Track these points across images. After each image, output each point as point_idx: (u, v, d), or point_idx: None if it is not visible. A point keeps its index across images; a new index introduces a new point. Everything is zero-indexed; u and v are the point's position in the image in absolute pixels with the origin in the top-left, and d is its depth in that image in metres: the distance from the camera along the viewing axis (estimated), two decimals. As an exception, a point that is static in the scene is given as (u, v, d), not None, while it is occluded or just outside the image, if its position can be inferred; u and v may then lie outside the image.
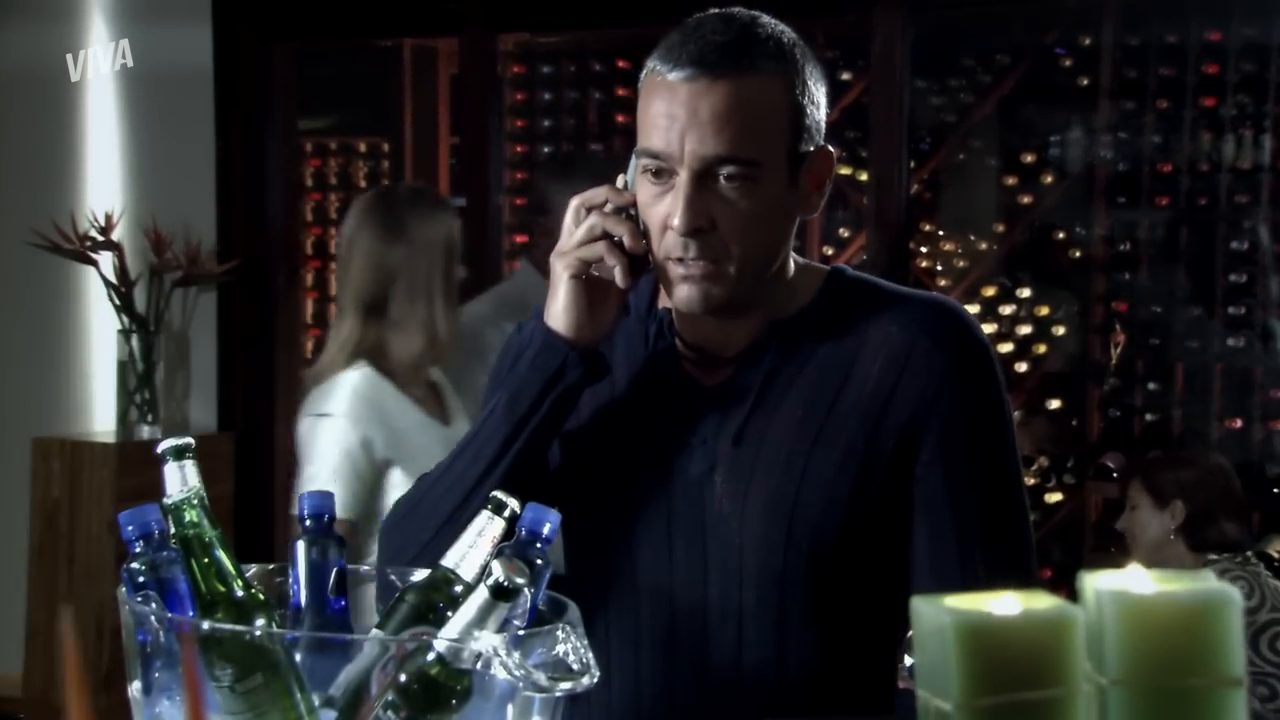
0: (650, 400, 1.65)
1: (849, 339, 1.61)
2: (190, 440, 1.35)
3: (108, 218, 4.25)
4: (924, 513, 1.60)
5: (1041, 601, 0.86)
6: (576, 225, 1.58)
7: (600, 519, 1.66)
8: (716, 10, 1.58)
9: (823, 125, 1.60)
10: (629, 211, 1.57)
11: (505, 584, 1.22)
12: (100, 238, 4.24)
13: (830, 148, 1.61)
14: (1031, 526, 1.65)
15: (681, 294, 1.56)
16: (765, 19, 1.58)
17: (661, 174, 1.54)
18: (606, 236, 1.56)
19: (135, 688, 1.31)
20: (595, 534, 1.67)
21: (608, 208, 1.57)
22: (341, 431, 2.87)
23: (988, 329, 5.01)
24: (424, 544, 1.59)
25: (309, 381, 3.06)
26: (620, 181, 1.62)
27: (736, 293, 1.56)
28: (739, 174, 1.52)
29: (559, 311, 1.58)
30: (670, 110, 1.51)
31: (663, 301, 1.66)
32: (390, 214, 2.97)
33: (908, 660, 2.26)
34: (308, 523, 1.38)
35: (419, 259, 2.92)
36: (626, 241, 1.55)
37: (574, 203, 1.59)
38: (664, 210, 1.54)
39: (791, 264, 1.65)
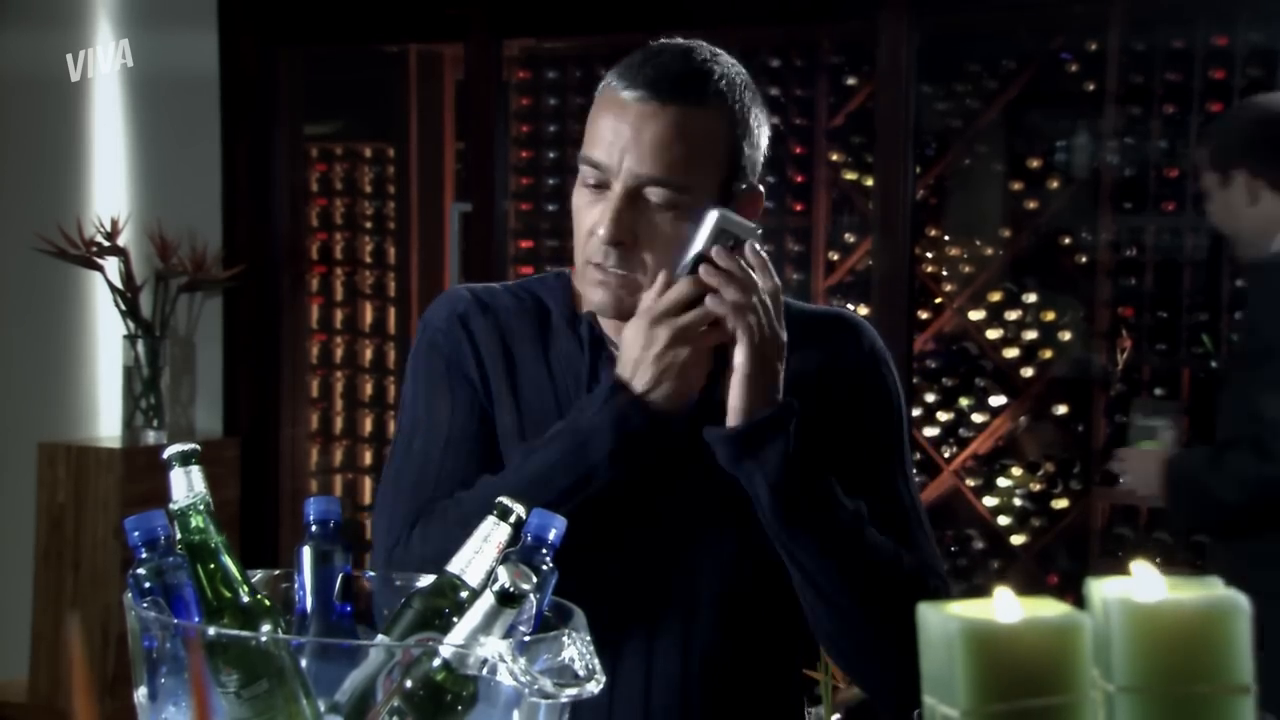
0: None
1: None
2: (196, 446, 1.35)
3: (113, 223, 4.26)
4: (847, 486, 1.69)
5: (1049, 608, 0.86)
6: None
7: None
8: (681, 40, 1.66)
9: (759, 166, 1.68)
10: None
11: (511, 590, 1.23)
12: (106, 243, 4.25)
13: (761, 188, 1.69)
14: (919, 497, 1.80)
15: (596, 297, 1.65)
16: (724, 57, 1.66)
17: (598, 183, 1.62)
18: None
19: (141, 694, 1.31)
20: None
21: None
22: None
23: (993, 334, 5.00)
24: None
25: None
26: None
27: None
28: (667, 197, 1.60)
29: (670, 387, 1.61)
30: (617, 126, 1.60)
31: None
32: None
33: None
34: (313, 528, 1.38)
35: None
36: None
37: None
38: (594, 217, 1.62)
39: None
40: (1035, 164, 4.94)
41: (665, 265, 1.61)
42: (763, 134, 1.67)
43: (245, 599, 1.31)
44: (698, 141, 1.60)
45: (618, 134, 1.59)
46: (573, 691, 1.22)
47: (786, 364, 1.64)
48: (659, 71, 1.59)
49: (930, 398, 5.05)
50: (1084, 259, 4.95)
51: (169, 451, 1.34)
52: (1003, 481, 5.01)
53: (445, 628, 1.29)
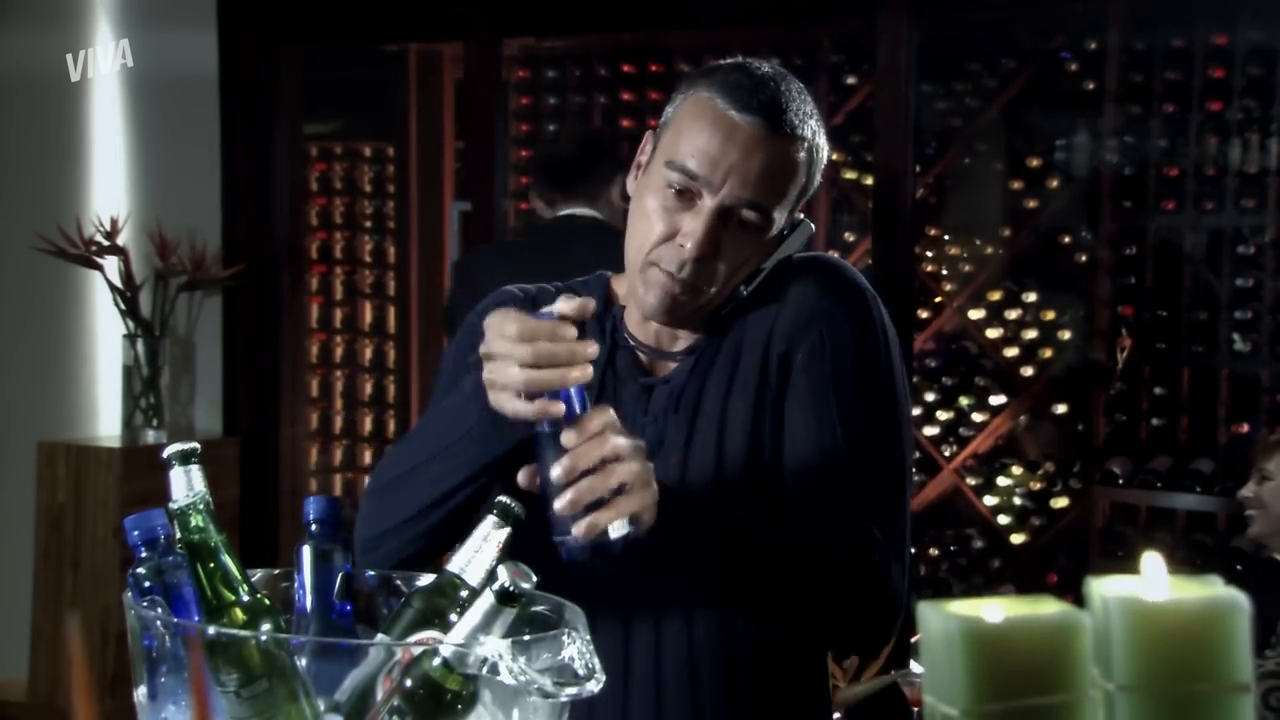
0: (607, 389, 1.76)
1: (762, 307, 1.73)
2: (196, 445, 1.35)
3: (113, 222, 4.26)
4: (795, 414, 1.70)
5: (1048, 607, 0.86)
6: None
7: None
8: (771, 67, 1.69)
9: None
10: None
11: (511, 589, 1.23)
12: (106, 242, 4.25)
13: (810, 224, 1.76)
14: (906, 445, 1.74)
15: (652, 301, 1.67)
16: (806, 93, 1.70)
17: (684, 192, 1.64)
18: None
19: (141, 693, 1.31)
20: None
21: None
22: None
23: (993, 333, 5.00)
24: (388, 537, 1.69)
25: None
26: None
27: (698, 310, 1.69)
28: (754, 220, 1.64)
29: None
30: (725, 146, 1.62)
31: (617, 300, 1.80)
32: None
33: (915, 666, 2.25)
34: (313, 527, 1.38)
35: None
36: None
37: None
38: (672, 224, 1.65)
39: None
40: (1035, 163, 4.93)
41: (731, 279, 1.67)
42: (822, 168, 1.73)
43: (245, 598, 1.31)
44: (792, 172, 1.66)
45: (725, 153, 1.62)
46: (572, 691, 1.22)
47: (769, 307, 1.71)
48: (771, 100, 1.63)
49: (930, 397, 5.05)
50: (1084, 258, 4.94)
51: (169, 451, 1.34)
52: (1003, 480, 5.01)
53: (445, 627, 1.29)
